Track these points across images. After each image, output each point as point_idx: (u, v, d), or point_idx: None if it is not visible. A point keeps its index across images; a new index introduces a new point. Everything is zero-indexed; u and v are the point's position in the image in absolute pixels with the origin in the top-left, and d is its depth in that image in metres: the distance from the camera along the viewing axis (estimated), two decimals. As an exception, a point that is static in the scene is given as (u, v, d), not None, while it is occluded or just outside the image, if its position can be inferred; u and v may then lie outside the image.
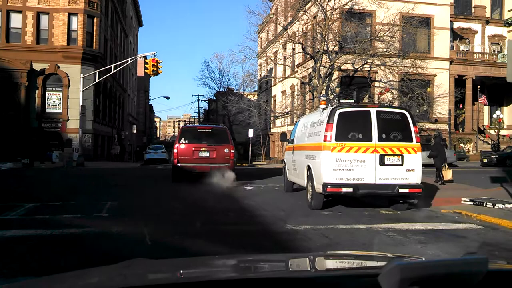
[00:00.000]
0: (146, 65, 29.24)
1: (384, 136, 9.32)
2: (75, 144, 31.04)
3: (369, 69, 31.36)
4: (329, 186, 9.16)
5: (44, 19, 33.77)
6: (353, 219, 8.73)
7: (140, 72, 31.07)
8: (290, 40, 34.35)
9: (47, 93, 34.05)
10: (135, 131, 52.84)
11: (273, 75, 46.53)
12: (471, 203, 10.33)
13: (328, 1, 28.91)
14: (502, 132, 40.13)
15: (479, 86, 39.96)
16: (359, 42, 30.14)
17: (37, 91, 33.50)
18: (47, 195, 12.31)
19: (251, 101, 48.67)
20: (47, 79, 33.95)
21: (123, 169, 27.17)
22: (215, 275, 1.80)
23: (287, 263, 2.10)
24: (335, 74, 31.42)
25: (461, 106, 41.04)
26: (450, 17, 39.24)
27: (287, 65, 40.88)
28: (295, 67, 38.83)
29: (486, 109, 43.96)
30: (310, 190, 10.11)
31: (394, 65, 30.79)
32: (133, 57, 41.99)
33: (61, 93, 34.03)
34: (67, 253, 6.04)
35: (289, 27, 35.63)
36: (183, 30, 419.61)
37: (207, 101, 72.53)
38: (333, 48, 30.18)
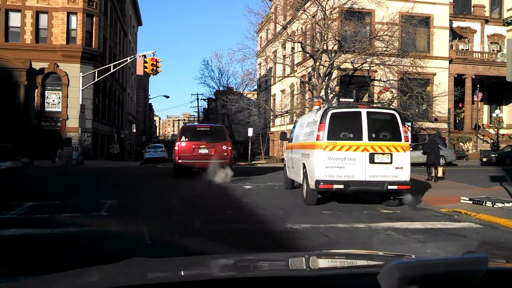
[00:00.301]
0: (145, 64, 29.23)
1: (374, 135, 9.76)
2: (75, 143, 31.03)
3: (368, 68, 31.37)
4: (321, 183, 9.63)
5: (43, 18, 33.73)
6: (352, 218, 8.75)
7: (139, 71, 31.18)
8: (289, 39, 34.35)
9: (46, 92, 34.02)
10: (134, 130, 52.84)
11: (272, 74, 46.53)
12: (471, 202, 10.34)
13: (328, 0, 28.89)
14: (501, 131, 40.17)
15: (478, 85, 39.98)
16: (359, 41, 30.14)
17: (36, 90, 33.47)
18: (46, 194, 12.30)
19: (250, 100, 48.68)
20: (46, 78, 33.92)
21: (123, 168, 27.17)
22: (214, 274, 1.80)
23: (286, 262, 2.10)
24: (335, 73, 31.42)
25: (460, 105, 41.07)
26: (450, 16, 39.24)
27: (286, 64, 40.86)
28: (295, 66, 38.83)
29: (486, 108, 43.99)
30: (305, 186, 10.53)
31: (393, 64, 30.79)
32: (132, 56, 42.01)
33: (60, 92, 34.02)
34: (67, 252, 6.04)
35: (288, 26, 35.62)
36: (183, 29, 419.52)
37: (207, 100, 72.52)
38: (332, 47, 30.17)
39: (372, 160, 9.68)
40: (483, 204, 9.98)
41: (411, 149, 26.25)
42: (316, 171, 9.76)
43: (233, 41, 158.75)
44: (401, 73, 31.88)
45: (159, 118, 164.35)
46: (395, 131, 9.85)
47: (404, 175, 9.75)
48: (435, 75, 36.97)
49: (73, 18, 33.66)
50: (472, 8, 43.37)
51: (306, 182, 10.46)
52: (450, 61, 38.75)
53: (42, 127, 32.87)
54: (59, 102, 33.98)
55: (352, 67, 31.36)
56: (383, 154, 9.72)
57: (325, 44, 29.60)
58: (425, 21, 36.63)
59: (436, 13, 37.59)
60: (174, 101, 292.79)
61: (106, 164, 30.16)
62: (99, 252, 5.94)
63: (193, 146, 16.81)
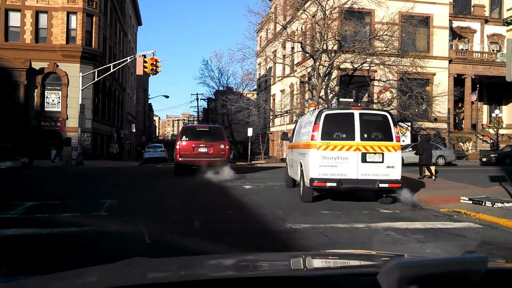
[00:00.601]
0: (145, 64, 29.22)
1: (366, 135, 10.18)
2: (74, 143, 31.02)
3: (368, 68, 31.38)
4: (315, 181, 10.09)
5: (43, 18, 33.71)
6: (352, 218, 8.75)
7: (139, 71, 31.16)
8: (289, 39, 34.34)
9: (46, 92, 34.00)
10: (134, 130, 52.82)
11: (272, 74, 46.52)
12: (470, 202, 10.34)
13: (327, 0, 28.89)
14: (501, 131, 40.17)
15: (478, 85, 39.98)
16: (358, 41, 30.14)
17: (36, 90, 33.46)
18: (46, 194, 12.29)
19: (250, 100, 48.66)
20: (46, 78, 33.90)
21: (122, 168, 27.16)
22: (214, 274, 1.80)
23: (286, 262, 2.10)
24: (334, 73, 31.42)
25: (460, 105, 41.06)
26: (449, 16, 39.24)
27: (286, 64, 40.86)
28: (295, 66, 38.83)
29: (485, 108, 43.99)
30: (302, 184, 10.93)
31: (393, 64, 30.79)
32: (132, 56, 41.99)
33: (60, 92, 34.00)
34: (66, 252, 6.04)
35: (288, 26, 35.62)
36: (182, 29, 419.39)
37: (206, 100, 72.51)
38: (332, 47, 30.17)
39: (364, 159, 10.08)
40: (483, 204, 9.98)
41: (410, 149, 26.38)
42: (310, 169, 10.18)
43: (233, 41, 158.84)
44: (400, 73, 31.88)
45: (159, 118, 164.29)
46: (387, 131, 10.25)
47: (395, 173, 10.13)
48: (434, 75, 36.97)
49: (73, 18, 33.65)
50: (472, 8, 43.37)
51: (302, 180, 10.86)
52: (450, 61, 38.75)
53: (42, 127, 32.87)
54: (59, 102, 33.96)
55: (352, 67, 31.37)
56: (375, 153, 10.12)
57: (325, 44, 29.61)
58: (425, 21, 36.63)
59: (436, 13, 37.59)
60: (173, 101, 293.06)
61: (106, 164, 30.15)
62: (99, 252, 5.94)
63: (193, 145, 17.85)
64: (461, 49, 41.45)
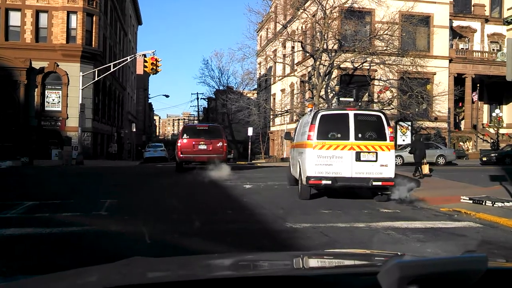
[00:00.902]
0: (145, 63, 29.23)
1: (360, 135, 10.54)
2: (74, 142, 31.02)
3: (368, 67, 31.37)
4: (311, 179, 10.45)
5: (43, 17, 33.73)
6: (352, 217, 8.74)
7: (139, 70, 31.18)
8: (289, 39, 34.34)
9: (46, 91, 34.02)
10: (134, 130, 52.84)
11: (272, 73, 46.52)
12: (471, 201, 10.33)
13: (328, -1, 28.90)
14: (501, 131, 40.15)
15: (478, 85, 39.97)
16: (359, 40, 30.14)
17: (36, 90, 33.47)
18: (46, 193, 12.29)
19: (250, 99, 48.70)
20: (46, 77, 33.92)
21: (122, 168, 27.17)
22: (214, 273, 1.79)
23: (286, 261, 2.09)
24: (335, 73, 31.43)
25: (460, 105, 41.06)
26: (450, 16, 39.22)
27: (286, 64, 40.85)
28: (295, 65, 38.82)
29: (486, 107, 43.98)
30: (300, 182, 11.34)
31: (393, 64, 30.80)
32: (132, 55, 42.02)
33: (60, 92, 34.02)
34: (66, 251, 6.04)
35: (288, 25, 35.62)
36: (183, 29, 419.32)
37: (207, 100, 72.55)
38: (332, 47, 30.17)
39: (358, 158, 10.42)
40: (483, 203, 9.97)
41: (409, 148, 26.41)
42: (307, 168, 10.54)
43: (233, 40, 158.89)
44: (401, 73, 31.89)
45: (159, 118, 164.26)
46: (381, 131, 10.60)
47: (389, 172, 10.46)
48: (435, 74, 36.96)
49: (73, 17, 33.66)
50: (472, 7, 43.35)
51: (300, 179, 11.19)
52: (450, 61, 38.73)
53: (42, 127, 32.88)
54: (59, 102, 33.98)
55: (352, 67, 31.37)
56: (368, 152, 10.44)
57: (325, 43, 29.61)
58: (425, 20, 36.62)
59: (436, 12, 37.57)
60: (174, 101, 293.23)
61: (106, 164, 30.16)
62: (99, 251, 5.94)
63: (193, 142, 19.18)
64: (462, 48, 41.44)
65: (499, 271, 1.57)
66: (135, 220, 8.15)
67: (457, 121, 42.31)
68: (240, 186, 14.43)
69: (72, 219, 8.13)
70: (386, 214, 9.36)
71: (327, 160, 10.42)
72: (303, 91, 35.45)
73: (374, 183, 10.35)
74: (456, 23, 41.89)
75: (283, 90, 43.67)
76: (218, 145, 19.26)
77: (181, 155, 19.32)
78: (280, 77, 42.75)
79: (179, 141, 19.59)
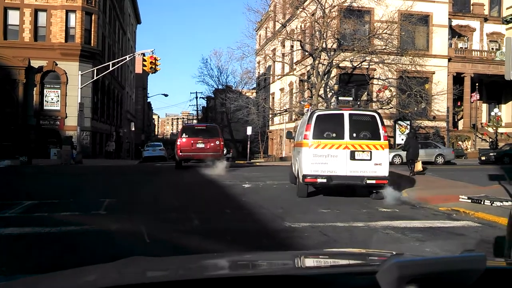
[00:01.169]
0: (144, 62, 29.19)
1: (354, 135, 10.76)
2: (73, 141, 30.97)
3: (367, 66, 31.38)
4: (307, 177, 10.72)
5: (42, 16, 33.65)
6: (351, 216, 8.74)
7: (138, 69, 31.12)
8: (288, 38, 34.34)
9: (45, 90, 33.96)
10: (133, 129, 52.79)
11: (271, 72, 46.52)
12: (469, 200, 10.33)
13: (327, -2, 28.89)
14: (500, 130, 40.17)
15: (477, 84, 39.98)
16: (358, 39, 30.15)
17: (35, 89, 33.41)
18: (45, 192, 12.28)
19: (249, 98, 48.66)
20: (45, 77, 33.85)
21: (121, 167, 27.15)
22: (213, 272, 1.79)
23: (285, 261, 2.09)
24: (334, 72, 31.44)
25: (459, 104, 41.07)
26: (449, 15, 39.23)
27: (285, 63, 40.85)
28: (294, 64, 38.81)
29: (484, 106, 44.00)
30: (298, 181, 11.63)
31: (392, 63, 30.81)
32: (131, 54, 41.94)
33: (59, 91, 33.96)
34: (65, 250, 6.03)
35: (287, 24, 35.60)
36: (182, 28, 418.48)
37: (206, 99, 72.54)
38: (331, 46, 30.17)
39: (352, 157, 10.64)
40: (482, 202, 9.98)
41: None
42: (303, 166, 10.80)
43: (232, 39, 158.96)
44: (400, 72, 31.90)
45: (158, 117, 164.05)
46: (375, 131, 10.81)
47: (383, 170, 10.67)
48: (434, 73, 36.97)
49: (72, 16, 33.59)
50: (471, 7, 43.36)
51: (298, 177, 11.48)
52: (449, 60, 38.75)
53: (41, 126, 32.83)
54: (58, 101, 33.92)
55: (351, 66, 31.38)
56: (363, 151, 10.67)
57: (324, 43, 29.61)
58: (424, 19, 36.63)
59: (435, 11, 37.58)
60: (173, 100, 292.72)
61: (105, 163, 30.13)
62: (98, 250, 5.94)
63: (192, 141, 20.14)
64: (461, 47, 41.44)
65: (497, 271, 1.58)
66: (134, 219, 8.15)
67: (456, 120, 42.32)
68: (239, 185, 14.44)
69: (71, 218, 8.13)
70: (385, 213, 9.37)
71: (322, 159, 10.66)
72: (302, 90, 35.46)
73: (368, 181, 10.57)
74: (455, 22, 41.90)
75: (282, 89, 43.67)
76: (215, 143, 20.14)
77: (180, 153, 20.29)
78: (279, 76, 42.74)
79: (179, 140, 20.57)
